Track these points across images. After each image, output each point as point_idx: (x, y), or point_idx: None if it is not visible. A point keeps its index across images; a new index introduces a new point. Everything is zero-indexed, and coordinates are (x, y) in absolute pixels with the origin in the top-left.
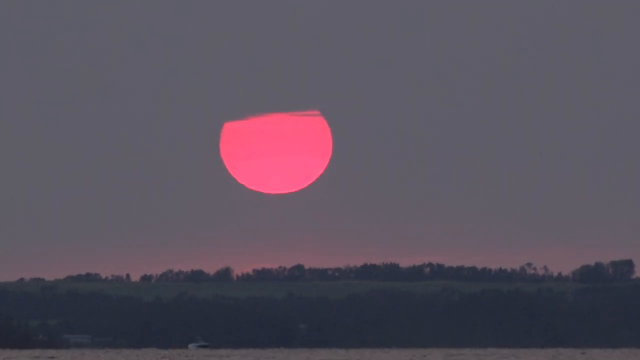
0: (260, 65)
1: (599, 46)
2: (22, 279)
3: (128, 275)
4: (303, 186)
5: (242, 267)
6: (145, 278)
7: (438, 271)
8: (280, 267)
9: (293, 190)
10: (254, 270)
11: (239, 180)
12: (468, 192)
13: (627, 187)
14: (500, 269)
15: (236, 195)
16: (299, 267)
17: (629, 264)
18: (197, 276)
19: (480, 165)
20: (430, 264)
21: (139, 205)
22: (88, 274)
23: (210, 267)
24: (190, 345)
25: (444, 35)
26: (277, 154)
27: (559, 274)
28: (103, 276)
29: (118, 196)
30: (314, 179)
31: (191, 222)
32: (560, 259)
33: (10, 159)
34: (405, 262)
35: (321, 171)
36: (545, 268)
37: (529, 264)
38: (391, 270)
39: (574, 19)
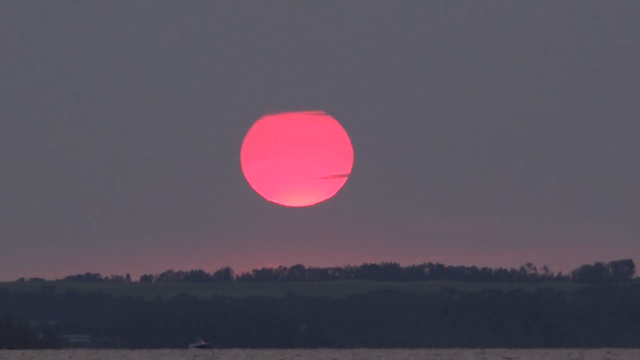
0: (264, 66)
1: (596, 47)
2: (22, 279)
3: (128, 275)
4: (322, 199)
5: (242, 267)
6: (145, 278)
7: (438, 271)
8: (280, 267)
9: (311, 203)
10: (254, 270)
11: (250, 182)
12: (468, 193)
13: (627, 187)
14: (500, 269)
15: (243, 199)
16: (299, 267)
17: (629, 264)
18: (197, 276)
19: (480, 166)
20: (430, 264)
21: (139, 205)
22: (88, 274)
23: (210, 267)
24: (190, 345)
25: (442, 37)
26: (293, 156)
27: (559, 274)
28: (103, 276)
29: (118, 196)
30: (336, 190)
31: (191, 222)
32: (560, 259)
33: (10, 159)
34: (405, 262)
35: (343, 183)
36: (545, 268)
37: (529, 264)
38: (391, 270)
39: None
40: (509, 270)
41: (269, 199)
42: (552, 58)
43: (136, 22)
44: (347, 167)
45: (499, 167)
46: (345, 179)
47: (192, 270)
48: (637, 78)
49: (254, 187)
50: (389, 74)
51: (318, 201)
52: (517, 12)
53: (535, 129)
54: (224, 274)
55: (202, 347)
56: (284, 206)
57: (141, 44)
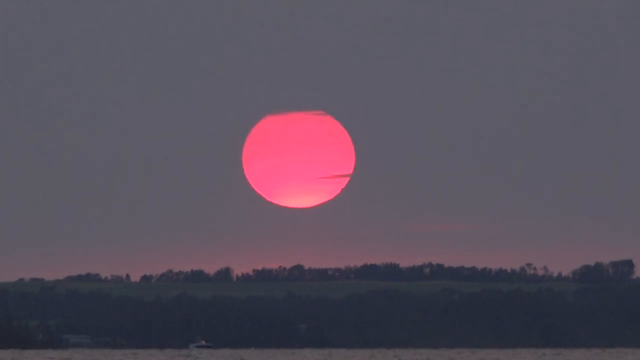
0: (266, 66)
1: (596, 47)
2: (22, 279)
3: (128, 276)
4: (323, 200)
5: (242, 267)
6: (145, 278)
7: (438, 271)
8: (280, 267)
9: (312, 205)
10: (254, 270)
11: (250, 182)
12: (468, 193)
13: (626, 187)
14: (500, 269)
15: (243, 199)
16: (299, 267)
17: (629, 264)
18: (197, 276)
19: (480, 166)
20: (430, 264)
21: (139, 205)
22: (88, 274)
23: (210, 267)
24: (191, 346)
25: (442, 37)
26: (294, 157)
27: (559, 274)
28: (103, 276)
29: (118, 196)
30: (337, 191)
31: (191, 222)
32: (560, 259)
33: (10, 159)
34: (405, 262)
35: (344, 184)
36: (545, 268)
37: (529, 264)
38: (391, 270)
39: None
40: (509, 270)
41: (269, 199)
42: (552, 58)
43: (137, 23)
44: (348, 167)
45: (499, 167)
46: (346, 179)
47: (192, 270)
48: (637, 78)
49: (254, 187)
50: (389, 74)
51: (319, 202)
52: (517, 12)
53: (535, 129)
54: (224, 274)
55: (202, 347)
56: (285, 207)
57: (142, 45)
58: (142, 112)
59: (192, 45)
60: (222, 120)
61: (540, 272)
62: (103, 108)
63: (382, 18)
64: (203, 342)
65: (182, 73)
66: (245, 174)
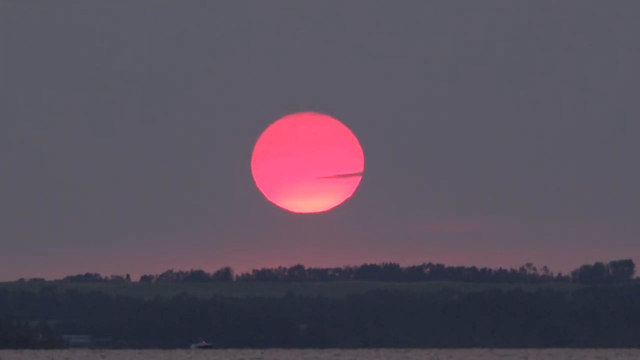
0: (275, 68)
1: (599, 46)
2: (22, 279)
3: (128, 276)
4: (328, 202)
5: (242, 267)
6: (145, 278)
7: (438, 271)
8: (280, 267)
9: (316, 210)
10: (254, 271)
11: (254, 183)
12: (468, 192)
13: (627, 187)
14: (500, 269)
15: (244, 199)
16: (299, 267)
17: (629, 264)
18: (197, 276)
19: (480, 166)
20: (430, 264)
21: (139, 205)
22: (88, 274)
23: (210, 267)
24: (192, 346)
25: (444, 37)
26: (296, 157)
27: (559, 274)
28: (103, 276)
29: (118, 196)
30: (351, 192)
31: (191, 222)
32: (560, 259)
33: (10, 159)
34: (405, 262)
35: (352, 186)
36: (545, 268)
37: (529, 264)
38: (391, 270)
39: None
40: (509, 270)
41: (269, 199)
42: (554, 58)
43: (139, 22)
44: (353, 167)
45: (499, 167)
46: (357, 180)
47: (192, 270)
48: (637, 78)
49: (260, 188)
50: (390, 74)
51: (329, 208)
52: (518, 12)
53: (535, 129)
54: (224, 274)
55: (204, 347)
56: (288, 210)
57: (143, 45)
58: (143, 113)
59: (193, 46)
60: (224, 121)
61: (540, 272)
62: (104, 108)
63: (382, 18)
64: (204, 342)
65: (185, 74)
66: (253, 175)
